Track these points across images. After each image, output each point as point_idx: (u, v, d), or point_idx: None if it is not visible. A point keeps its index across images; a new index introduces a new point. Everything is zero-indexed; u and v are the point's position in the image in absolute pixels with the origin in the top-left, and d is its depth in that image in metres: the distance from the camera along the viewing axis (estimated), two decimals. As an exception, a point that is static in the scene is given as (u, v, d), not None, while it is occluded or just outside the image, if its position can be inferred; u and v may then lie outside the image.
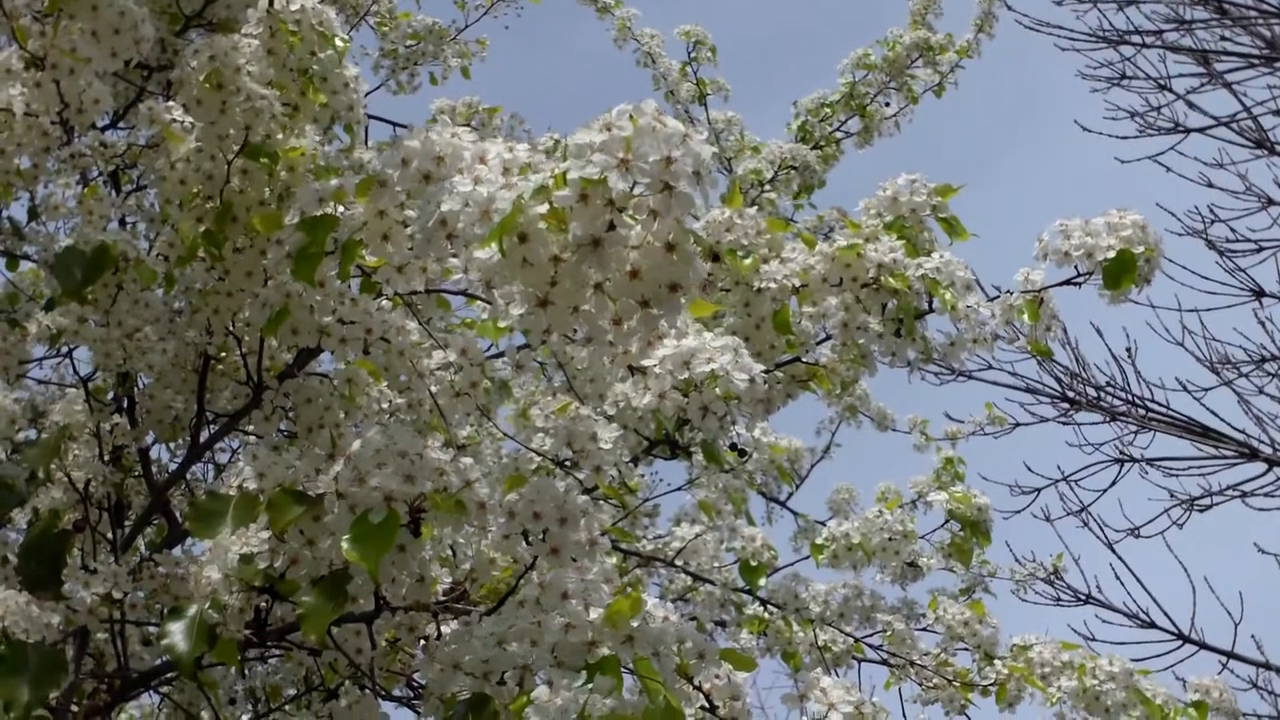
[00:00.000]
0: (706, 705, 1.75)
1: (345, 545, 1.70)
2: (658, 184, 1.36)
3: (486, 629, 1.71)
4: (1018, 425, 5.75)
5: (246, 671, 3.14)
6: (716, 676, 1.76)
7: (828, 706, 1.78)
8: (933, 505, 4.09)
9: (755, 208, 2.82)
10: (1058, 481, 5.54)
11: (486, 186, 1.55)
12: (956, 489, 3.10)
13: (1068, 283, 2.34)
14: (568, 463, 2.09)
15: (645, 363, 1.94)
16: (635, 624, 1.64)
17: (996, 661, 3.01)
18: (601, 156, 1.35)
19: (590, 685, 1.52)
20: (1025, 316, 2.36)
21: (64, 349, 3.10)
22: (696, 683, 1.75)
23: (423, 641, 1.99)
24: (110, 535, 2.68)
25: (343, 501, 1.75)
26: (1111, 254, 2.26)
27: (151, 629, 2.74)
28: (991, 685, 3.02)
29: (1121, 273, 2.26)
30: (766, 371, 2.38)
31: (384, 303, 2.28)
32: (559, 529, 1.82)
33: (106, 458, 2.69)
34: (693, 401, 1.97)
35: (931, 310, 2.41)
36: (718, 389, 1.96)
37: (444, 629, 1.98)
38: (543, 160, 1.54)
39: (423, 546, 1.81)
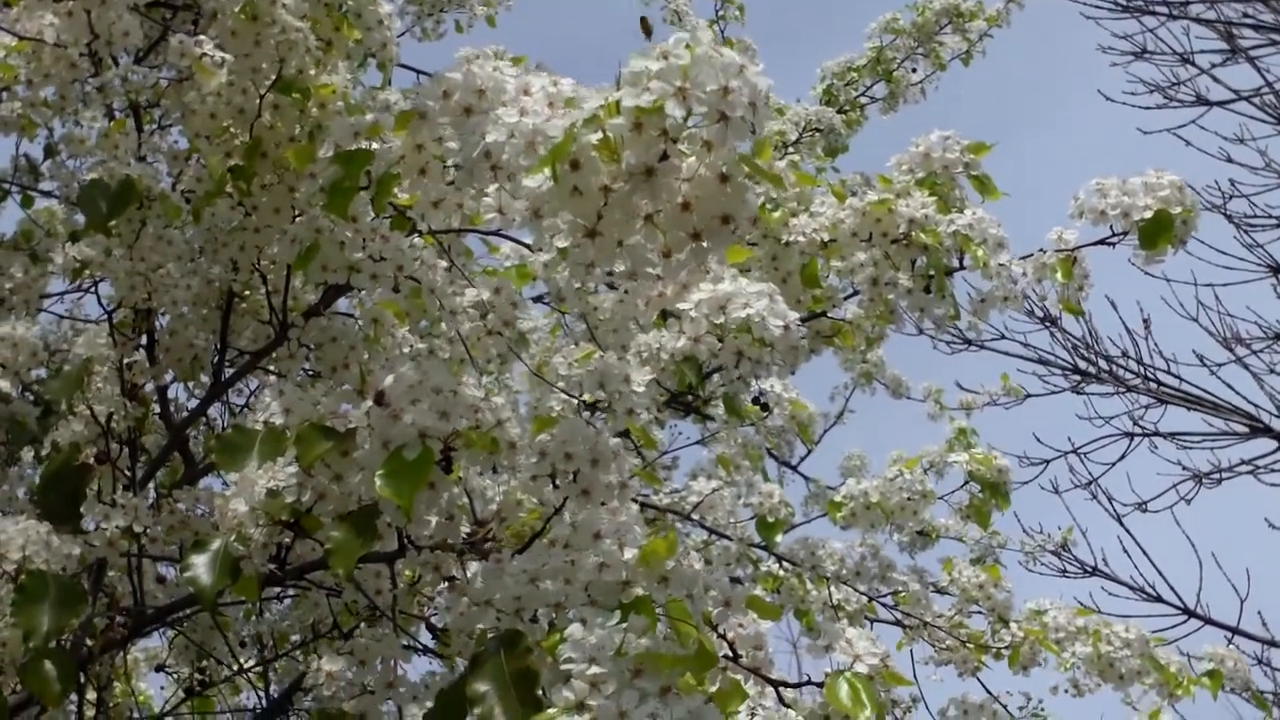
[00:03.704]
0: (730, 653, 1.74)
1: (378, 481, 1.68)
2: (714, 114, 1.34)
3: (518, 567, 1.70)
4: (1029, 396, 5.74)
5: (261, 613, 3.14)
6: (740, 625, 1.75)
7: (853, 658, 1.76)
8: (943, 475, 4.08)
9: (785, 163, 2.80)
10: (1067, 453, 5.53)
11: (532, 118, 1.54)
12: (977, 453, 3.09)
13: (1103, 242, 2.33)
14: (596, 406, 2.08)
15: (681, 306, 1.93)
16: (670, 565, 1.63)
17: (1011, 625, 3.01)
18: (659, 84, 1.34)
19: (624, 624, 1.51)
20: (1058, 275, 2.34)
21: (85, 284, 3.09)
22: (720, 630, 1.73)
23: (447, 581, 1.98)
24: (128, 471, 2.67)
25: (375, 437, 1.73)
26: (1148, 214, 2.25)
27: (165, 567, 2.74)
28: (1005, 648, 3.02)
29: (1158, 233, 2.25)
30: (795, 323, 2.36)
31: (416, 240, 2.26)
32: (590, 470, 1.81)
33: (126, 394, 2.68)
34: (727, 346, 1.96)
35: (963, 267, 2.39)
36: (751, 335, 1.94)
37: (468, 570, 1.97)
38: (588, 94, 1.52)
39: (453, 484, 1.79)
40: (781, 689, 1.73)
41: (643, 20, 1.65)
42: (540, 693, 1.57)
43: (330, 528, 1.87)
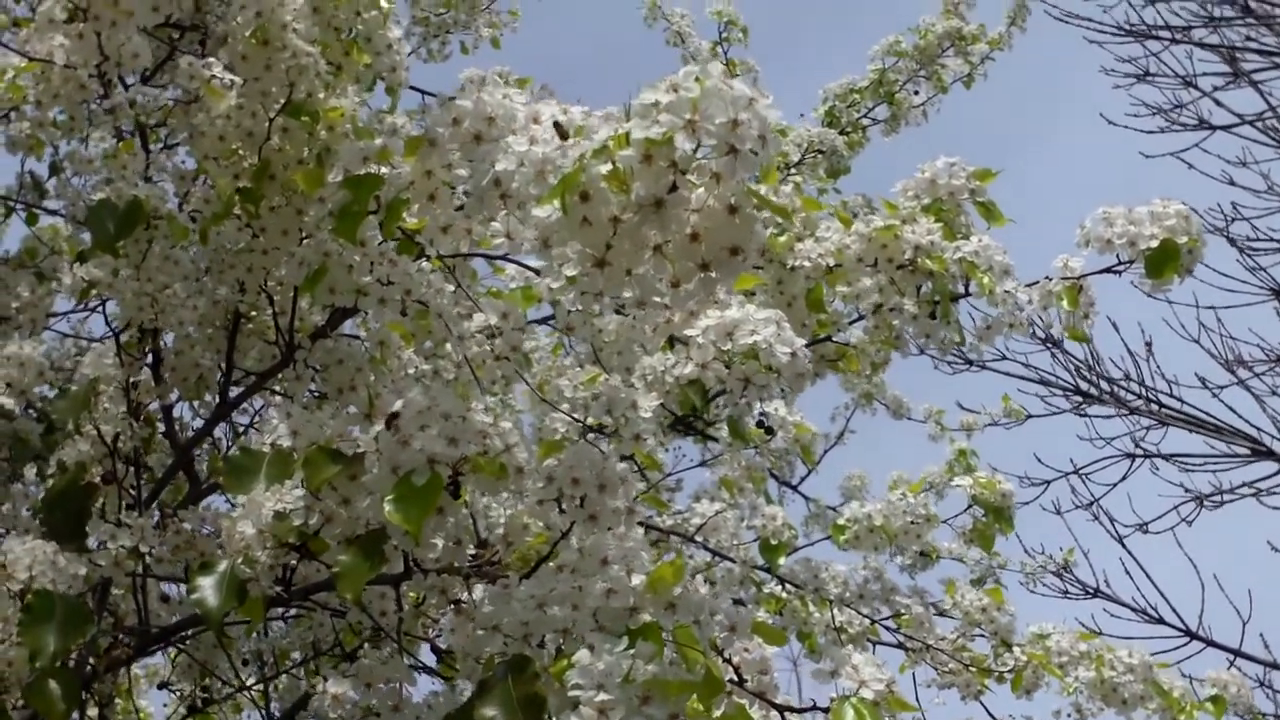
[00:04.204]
0: (735, 678, 1.74)
1: (387, 506, 1.69)
2: (723, 146, 1.35)
3: (526, 592, 1.71)
4: (1030, 416, 5.73)
5: (266, 632, 3.14)
6: (745, 649, 1.75)
7: (859, 683, 1.76)
8: (943, 495, 4.08)
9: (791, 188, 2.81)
10: (1069, 474, 5.52)
11: (542, 146, 1.55)
12: (980, 476, 3.10)
13: (1109, 270, 2.33)
14: (600, 430, 2.08)
15: (688, 332, 1.94)
16: (677, 591, 1.64)
17: (1015, 649, 3.01)
18: (668, 117, 1.35)
19: (632, 651, 1.52)
20: (1064, 303, 2.35)
21: (91, 303, 3.10)
22: (726, 655, 1.74)
23: (453, 605, 1.98)
24: (133, 491, 2.68)
25: (384, 462, 1.74)
26: (1154, 243, 2.26)
27: (169, 586, 2.74)
28: (1008, 672, 3.02)
29: (1164, 262, 2.26)
30: (799, 349, 2.36)
31: (423, 264, 2.27)
32: (597, 495, 1.81)
33: (130, 413, 2.68)
34: (734, 373, 1.96)
35: (968, 294, 2.40)
36: (758, 361, 1.95)
37: (474, 593, 1.98)
38: (598, 122, 1.53)
39: (460, 509, 1.80)
40: (787, 714, 1.73)
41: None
42: (548, 719, 1.58)
43: (338, 551, 1.87)
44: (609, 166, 1.40)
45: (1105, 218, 2.30)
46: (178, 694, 3.66)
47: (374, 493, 1.78)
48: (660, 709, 1.45)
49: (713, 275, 1.42)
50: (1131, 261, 2.29)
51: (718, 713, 1.57)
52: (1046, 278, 2.39)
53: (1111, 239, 2.28)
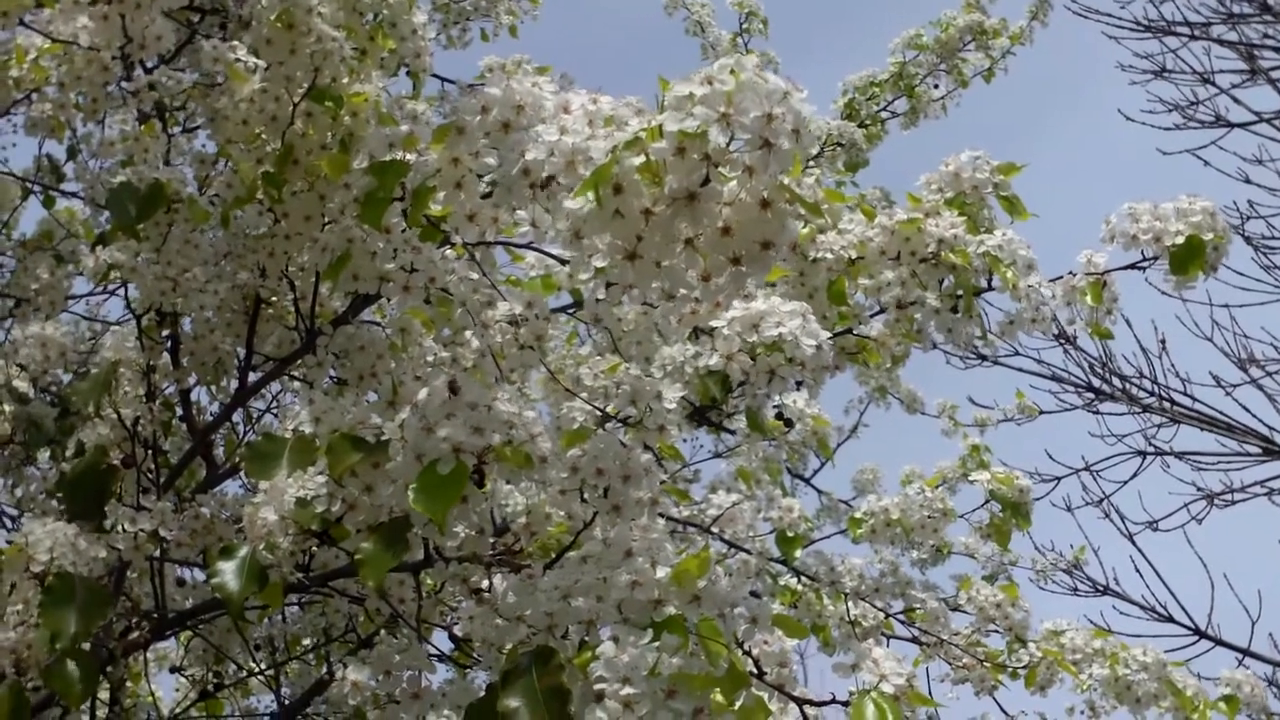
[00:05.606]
0: (755, 670, 1.74)
1: (411, 495, 1.69)
2: (757, 140, 1.34)
3: (550, 582, 1.70)
4: (1043, 413, 5.73)
5: (284, 617, 3.14)
6: (765, 642, 1.75)
7: (879, 677, 1.76)
8: (955, 490, 4.07)
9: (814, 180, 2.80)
10: (1080, 471, 5.52)
11: (573, 136, 1.54)
12: (998, 472, 3.09)
13: (1134, 266, 2.32)
14: (626, 421, 2.07)
15: (714, 323, 1.93)
16: (702, 584, 1.64)
17: (1030, 644, 3.00)
18: (703, 110, 1.34)
19: (657, 644, 1.51)
20: (1088, 299, 2.34)
21: (109, 286, 3.10)
22: (746, 647, 1.74)
23: (474, 593, 1.98)
24: (151, 474, 2.68)
25: (409, 450, 1.74)
26: (1180, 239, 2.25)
27: (185, 570, 2.74)
28: (1022, 668, 3.01)
29: (1189, 259, 2.24)
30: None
31: (447, 252, 2.26)
32: (621, 486, 1.81)
33: (149, 397, 2.68)
34: (759, 365, 1.96)
35: (991, 288, 2.39)
36: (783, 353, 1.94)
37: (494, 581, 1.97)
38: (628, 112, 1.53)
39: (484, 498, 1.79)
40: (805, 707, 1.73)
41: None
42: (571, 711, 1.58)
43: (360, 539, 1.87)
44: (642, 159, 1.39)
45: (1131, 213, 2.29)
46: (189, 678, 3.66)
47: (397, 480, 1.77)
48: (685, 703, 1.45)
49: (743, 269, 1.42)
50: (1156, 258, 2.29)
51: (737, 705, 1.57)
52: (1070, 273, 2.38)
53: (1137, 235, 2.27)
